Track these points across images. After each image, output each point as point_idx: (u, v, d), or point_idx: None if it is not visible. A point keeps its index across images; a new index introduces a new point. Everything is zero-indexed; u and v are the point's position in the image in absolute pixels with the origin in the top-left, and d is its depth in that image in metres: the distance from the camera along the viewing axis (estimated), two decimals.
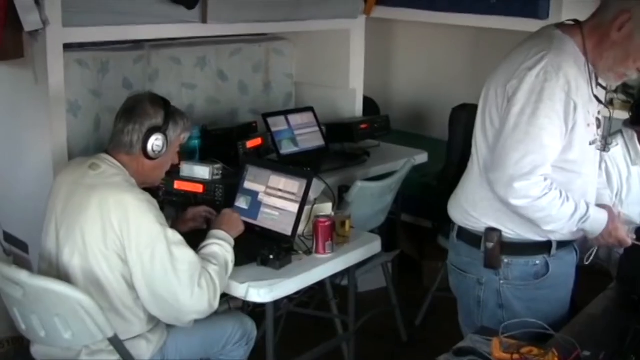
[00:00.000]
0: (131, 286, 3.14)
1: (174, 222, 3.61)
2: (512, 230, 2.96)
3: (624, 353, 2.60)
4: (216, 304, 3.19)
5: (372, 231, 4.36)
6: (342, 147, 5.23)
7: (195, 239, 3.36)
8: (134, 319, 3.19)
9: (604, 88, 3.04)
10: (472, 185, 3.05)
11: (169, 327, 3.37)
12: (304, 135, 5.01)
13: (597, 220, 2.94)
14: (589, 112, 2.88)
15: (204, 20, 4.68)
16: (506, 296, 3.02)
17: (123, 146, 3.27)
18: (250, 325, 3.67)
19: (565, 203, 2.83)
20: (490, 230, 2.98)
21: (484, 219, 3.00)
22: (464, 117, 5.78)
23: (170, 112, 3.35)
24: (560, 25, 2.95)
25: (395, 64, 7.38)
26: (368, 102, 6.22)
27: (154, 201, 3.19)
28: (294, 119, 5.02)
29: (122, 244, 3.07)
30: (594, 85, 2.92)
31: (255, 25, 5.16)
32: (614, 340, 2.71)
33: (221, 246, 3.31)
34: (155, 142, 3.27)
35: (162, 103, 3.37)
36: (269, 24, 5.24)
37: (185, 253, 3.13)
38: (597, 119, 2.97)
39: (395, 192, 4.74)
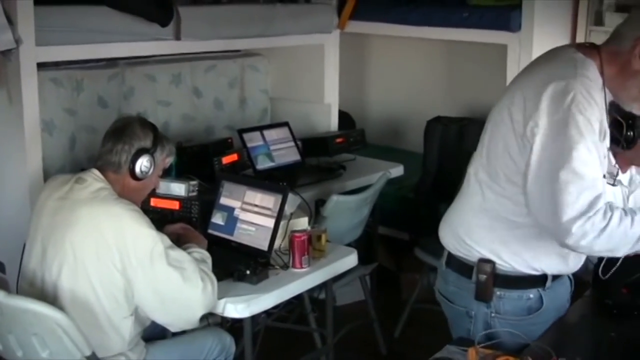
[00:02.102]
0: (123, 302, 3.15)
1: None
2: (507, 263, 2.82)
3: (599, 359, 2.62)
4: (216, 297, 3.25)
5: (349, 244, 4.34)
6: (318, 162, 5.24)
7: None
8: (116, 338, 3.19)
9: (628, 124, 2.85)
10: (469, 211, 2.91)
11: (148, 344, 3.37)
12: (279, 150, 5.02)
13: None
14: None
15: (177, 37, 4.71)
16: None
17: (110, 165, 3.29)
18: (228, 340, 3.67)
19: (627, 219, 2.60)
20: (483, 261, 2.84)
21: (478, 247, 2.86)
22: (439, 129, 5.85)
23: (158, 136, 3.41)
24: (580, 47, 2.78)
25: (370, 77, 7.41)
26: (343, 117, 6.24)
27: (141, 210, 3.23)
28: (270, 134, 5.03)
29: (120, 255, 3.08)
30: (607, 116, 2.71)
31: (229, 42, 5.18)
32: (589, 347, 2.73)
33: (200, 252, 3.37)
34: (143, 163, 3.31)
35: (151, 126, 3.42)
36: (243, 40, 5.27)
37: (181, 253, 3.20)
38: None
39: (371, 205, 4.76)
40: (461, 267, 2.93)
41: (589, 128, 2.55)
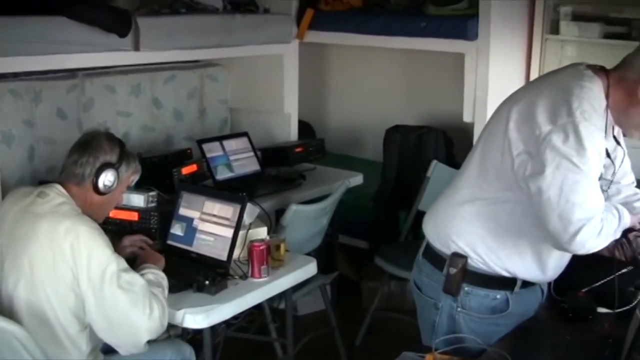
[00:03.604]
0: (76, 316, 3.13)
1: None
2: (481, 258, 2.89)
3: None
4: (166, 323, 3.23)
5: (309, 254, 4.35)
6: (278, 171, 5.24)
7: (134, 265, 3.38)
8: (74, 351, 3.17)
9: (618, 143, 2.92)
10: (454, 203, 2.98)
11: (107, 357, 3.36)
12: (239, 160, 5.02)
13: (627, 215, 2.82)
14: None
15: (136, 48, 4.69)
16: (460, 325, 2.95)
17: (74, 177, 3.27)
18: (188, 352, 3.66)
19: (611, 222, 2.72)
20: (456, 255, 2.92)
21: (455, 238, 2.92)
22: (398, 138, 5.89)
23: (124, 152, 3.39)
24: (590, 66, 2.83)
25: (330, 87, 7.44)
26: (304, 126, 6.27)
27: (101, 229, 3.20)
28: (229, 144, 5.03)
29: (74, 271, 3.06)
30: (608, 134, 2.78)
31: (188, 52, 5.18)
32: (545, 351, 2.76)
33: (155, 274, 3.34)
34: (107, 177, 3.28)
35: (118, 142, 3.40)
36: (202, 51, 5.27)
37: (133, 277, 3.16)
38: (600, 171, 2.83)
39: (331, 214, 4.76)
40: (435, 258, 3.01)
41: (594, 135, 2.63)
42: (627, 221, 2.82)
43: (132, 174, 3.47)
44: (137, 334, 3.16)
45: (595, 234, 2.63)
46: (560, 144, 2.61)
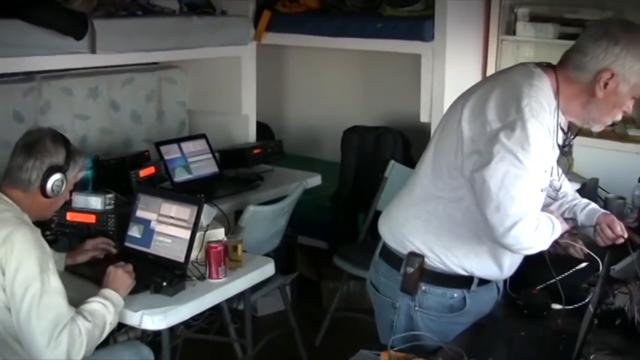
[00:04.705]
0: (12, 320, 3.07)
1: (72, 252, 3.62)
2: (437, 257, 2.91)
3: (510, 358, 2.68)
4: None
5: (267, 254, 4.37)
6: (236, 173, 5.24)
7: (95, 268, 3.46)
8: (23, 352, 3.08)
9: (565, 133, 2.92)
10: (409, 202, 3.00)
11: None
12: (197, 162, 5.02)
13: (558, 226, 2.87)
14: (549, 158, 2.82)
15: (93, 50, 4.67)
16: (418, 324, 2.96)
17: (20, 183, 3.18)
18: (147, 353, 3.63)
19: (546, 227, 2.78)
20: (413, 254, 2.92)
21: (411, 237, 2.94)
22: (355, 138, 5.92)
23: (70, 151, 3.27)
24: (538, 64, 2.86)
25: (288, 89, 7.46)
26: (262, 128, 6.28)
27: (43, 242, 3.10)
28: (187, 146, 5.02)
29: (3, 276, 2.98)
30: (558, 131, 2.82)
31: (145, 54, 5.18)
32: (501, 347, 2.78)
33: (104, 306, 3.16)
34: (55, 181, 3.19)
35: (63, 141, 3.28)
36: (160, 53, 5.27)
37: (55, 302, 3.01)
38: (552, 167, 2.90)
39: (289, 215, 4.78)
40: (392, 258, 3.02)
41: (540, 133, 2.67)
42: (558, 234, 2.88)
43: (80, 172, 3.38)
44: (36, 358, 3.01)
45: (532, 230, 2.68)
46: (507, 139, 2.64)
